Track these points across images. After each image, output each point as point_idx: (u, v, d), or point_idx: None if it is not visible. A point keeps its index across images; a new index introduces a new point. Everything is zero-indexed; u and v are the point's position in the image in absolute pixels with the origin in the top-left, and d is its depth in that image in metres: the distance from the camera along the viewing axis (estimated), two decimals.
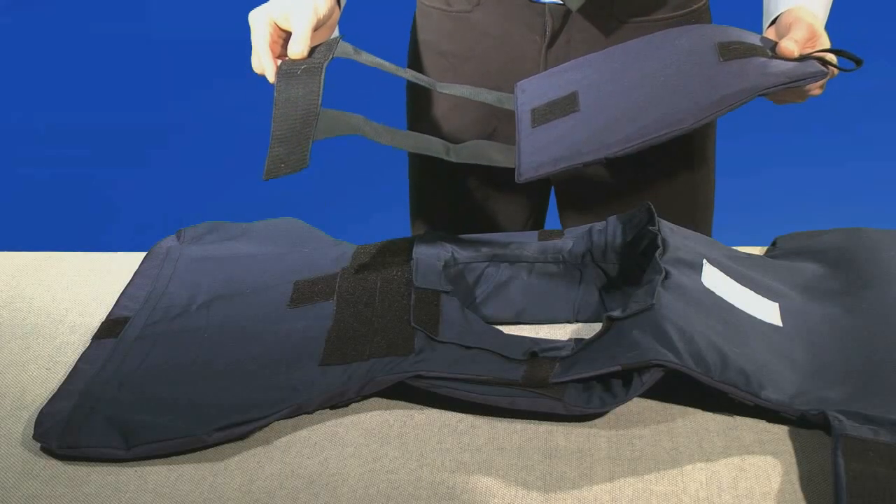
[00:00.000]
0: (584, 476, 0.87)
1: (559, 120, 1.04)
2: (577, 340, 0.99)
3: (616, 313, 0.96)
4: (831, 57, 1.05)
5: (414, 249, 1.10)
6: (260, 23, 1.05)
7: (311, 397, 0.95)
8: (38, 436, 0.93)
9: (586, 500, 0.85)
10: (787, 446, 0.89)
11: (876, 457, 0.82)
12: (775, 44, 1.06)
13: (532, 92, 1.11)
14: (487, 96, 1.14)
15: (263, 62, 1.05)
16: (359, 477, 0.88)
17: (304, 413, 0.96)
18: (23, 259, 1.28)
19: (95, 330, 1.10)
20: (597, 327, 0.98)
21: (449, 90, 1.13)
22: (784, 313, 1.03)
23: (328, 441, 0.93)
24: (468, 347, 0.98)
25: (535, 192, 1.38)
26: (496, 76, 1.25)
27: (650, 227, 1.08)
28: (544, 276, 1.12)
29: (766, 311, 1.02)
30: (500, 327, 1.04)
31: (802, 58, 1.04)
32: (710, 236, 1.34)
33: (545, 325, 1.11)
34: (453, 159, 1.06)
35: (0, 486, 0.89)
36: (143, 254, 1.23)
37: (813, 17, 1.09)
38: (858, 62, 1.04)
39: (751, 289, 1.05)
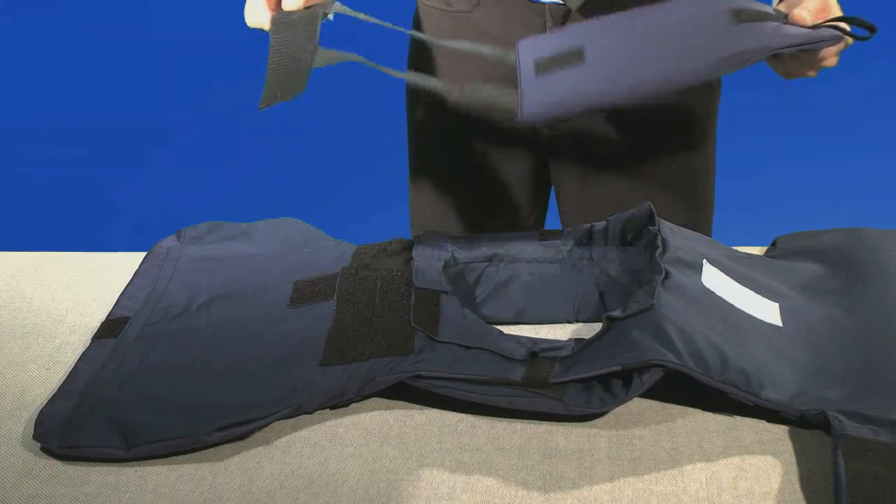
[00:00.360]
0: (584, 476, 0.87)
1: (564, 70, 1.01)
2: (577, 340, 0.99)
3: (616, 313, 0.96)
4: (845, 27, 1.05)
5: (414, 249, 1.10)
6: None
7: (311, 397, 0.95)
8: (38, 436, 0.93)
9: (586, 500, 0.85)
10: (787, 446, 0.89)
11: (876, 457, 0.82)
12: (787, 15, 1.05)
13: (536, 48, 1.08)
14: (488, 52, 1.12)
15: (259, 13, 1.04)
16: (359, 477, 0.88)
17: (304, 413, 0.96)
18: (23, 259, 1.28)
19: (95, 330, 1.10)
20: (597, 327, 0.98)
21: (451, 45, 1.10)
22: (784, 313, 1.03)
23: (328, 441, 0.93)
24: (468, 347, 0.98)
25: (534, 171, 1.37)
26: (496, 76, 1.25)
27: (650, 228, 1.08)
28: (544, 276, 1.12)
29: (766, 311, 1.02)
30: (500, 327, 1.04)
31: (815, 27, 1.03)
32: (710, 236, 1.34)
33: (545, 325, 1.11)
34: (454, 97, 1.04)
35: (0, 486, 0.89)
36: (143, 254, 1.23)
37: None
38: (872, 29, 1.03)
39: (751, 289, 1.05)
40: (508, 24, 1.23)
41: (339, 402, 0.96)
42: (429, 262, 1.08)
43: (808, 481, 0.85)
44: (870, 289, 1.06)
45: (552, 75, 1.01)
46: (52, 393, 0.99)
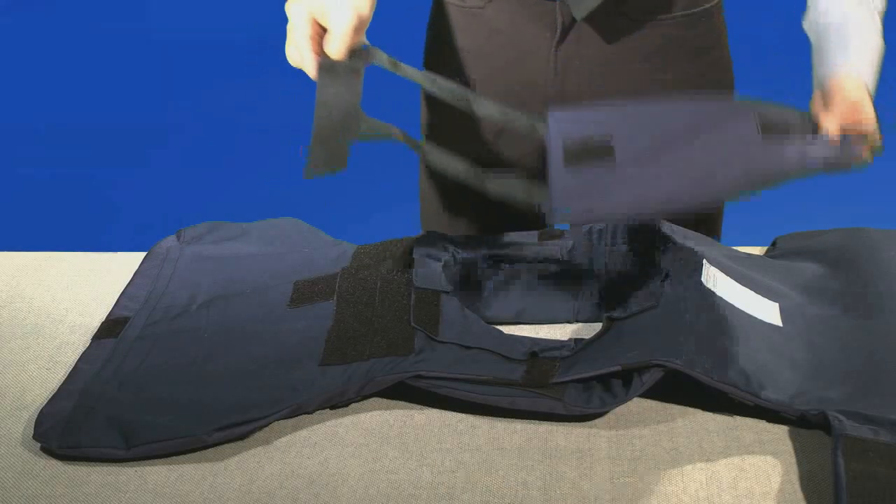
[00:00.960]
0: (584, 476, 0.87)
1: (593, 167, 1.00)
2: (578, 340, 0.99)
3: (616, 313, 0.96)
4: (873, 134, 1.04)
5: (414, 249, 1.10)
6: (299, 17, 1.03)
7: (310, 397, 0.95)
8: (37, 436, 0.93)
9: (586, 499, 0.85)
10: (787, 446, 0.89)
11: (876, 457, 0.82)
12: (816, 123, 1.04)
13: (565, 122, 1.07)
14: (519, 119, 1.11)
15: (304, 57, 1.03)
16: (359, 477, 0.88)
17: (304, 413, 0.96)
18: (23, 259, 1.28)
19: (95, 330, 1.10)
20: (597, 327, 0.98)
21: (483, 108, 1.10)
22: (784, 313, 1.03)
23: (328, 441, 0.93)
24: (468, 347, 0.98)
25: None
26: (507, 72, 1.25)
27: (650, 228, 1.08)
28: (544, 276, 1.12)
29: (766, 310, 1.02)
30: (500, 327, 1.04)
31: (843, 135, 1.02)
32: (718, 239, 1.34)
33: (545, 325, 1.11)
34: (483, 184, 1.04)
35: (0, 485, 0.89)
36: (143, 254, 1.23)
37: (857, 86, 1.06)
38: None
39: (751, 289, 1.05)
40: (519, 20, 1.23)
41: (338, 402, 0.96)
42: (429, 262, 1.08)
43: (808, 481, 0.85)
44: (870, 289, 1.06)
45: (583, 173, 0.99)
46: (53, 393, 0.99)
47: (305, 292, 1.10)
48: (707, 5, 1.24)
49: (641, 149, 1.00)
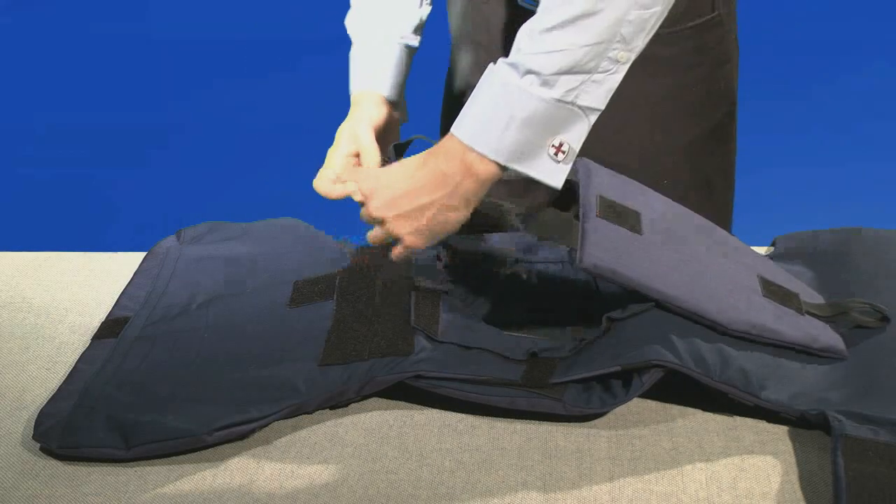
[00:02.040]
0: (583, 476, 0.87)
1: (623, 228, 0.99)
2: (578, 341, 0.99)
3: (616, 313, 0.96)
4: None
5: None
6: (338, 160, 1.08)
7: (310, 397, 0.95)
8: (37, 436, 0.93)
9: (586, 499, 0.85)
10: (786, 446, 0.89)
11: (876, 457, 0.82)
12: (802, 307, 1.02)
13: (597, 178, 1.05)
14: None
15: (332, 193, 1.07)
16: (358, 477, 0.88)
17: (304, 413, 0.96)
18: (22, 259, 1.28)
19: (94, 330, 1.10)
20: (597, 328, 0.98)
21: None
22: None
23: (328, 441, 0.93)
24: (468, 347, 0.98)
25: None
26: None
27: None
28: (545, 276, 1.12)
29: None
30: (499, 327, 1.04)
31: (833, 311, 1.01)
32: None
33: (545, 326, 1.10)
34: (515, 220, 1.05)
35: (0, 485, 0.89)
36: (143, 254, 1.23)
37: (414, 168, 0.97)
38: (885, 319, 1.00)
39: None
40: (514, 21, 1.23)
41: (338, 401, 0.96)
42: (429, 262, 1.07)
43: (807, 481, 0.85)
44: (869, 289, 1.06)
45: (615, 230, 0.98)
46: (52, 393, 0.99)
47: (305, 292, 1.10)
48: (703, 19, 1.22)
49: (666, 238, 1.00)
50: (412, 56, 1.19)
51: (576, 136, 0.90)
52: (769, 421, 0.92)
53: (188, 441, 0.91)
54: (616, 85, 0.91)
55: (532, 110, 0.88)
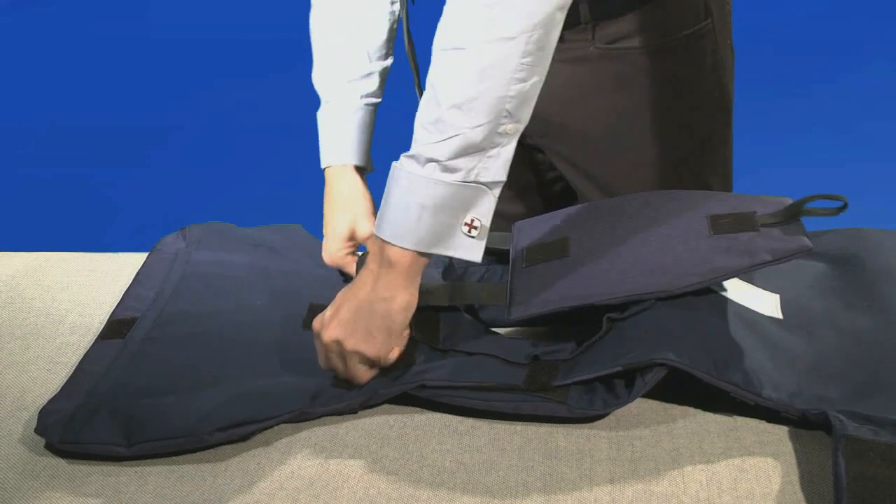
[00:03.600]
0: (584, 477, 0.87)
1: (550, 263, 1.05)
2: (579, 342, 0.99)
3: (616, 314, 0.96)
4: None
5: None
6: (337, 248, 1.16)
7: (314, 408, 0.95)
8: (39, 430, 0.93)
9: (586, 500, 0.85)
10: (787, 447, 0.89)
11: (877, 457, 0.82)
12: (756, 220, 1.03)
13: (528, 232, 1.12)
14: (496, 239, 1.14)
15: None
16: (359, 478, 0.88)
17: (307, 419, 0.96)
18: (23, 259, 1.28)
19: (95, 330, 1.10)
20: (598, 328, 0.98)
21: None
22: (784, 305, 1.03)
23: (329, 442, 0.93)
24: (470, 354, 0.98)
25: (554, 194, 1.38)
26: None
27: None
28: None
29: (767, 303, 1.02)
30: (500, 330, 1.03)
31: (789, 217, 1.02)
32: None
33: (545, 326, 1.10)
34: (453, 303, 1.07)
35: (0, 485, 0.89)
36: (144, 254, 1.23)
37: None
38: (845, 205, 1.02)
39: (750, 282, 1.05)
40: None
41: (342, 412, 0.96)
42: (428, 269, 1.07)
43: (808, 482, 0.85)
44: (870, 289, 1.06)
45: (540, 269, 1.05)
46: (53, 393, 0.99)
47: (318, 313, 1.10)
48: (687, 31, 1.22)
49: (595, 244, 1.04)
50: (376, 111, 1.22)
51: (485, 210, 0.93)
52: (770, 422, 0.92)
53: (190, 440, 0.91)
54: (511, 155, 0.93)
55: (440, 196, 0.91)
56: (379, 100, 1.21)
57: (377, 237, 0.94)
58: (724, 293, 1.01)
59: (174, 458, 0.91)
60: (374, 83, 1.20)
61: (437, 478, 0.88)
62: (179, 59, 3.65)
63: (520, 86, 0.89)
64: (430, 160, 0.90)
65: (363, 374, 0.97)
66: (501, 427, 0.94)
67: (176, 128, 3.37)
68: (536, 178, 1.35)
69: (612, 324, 0.96)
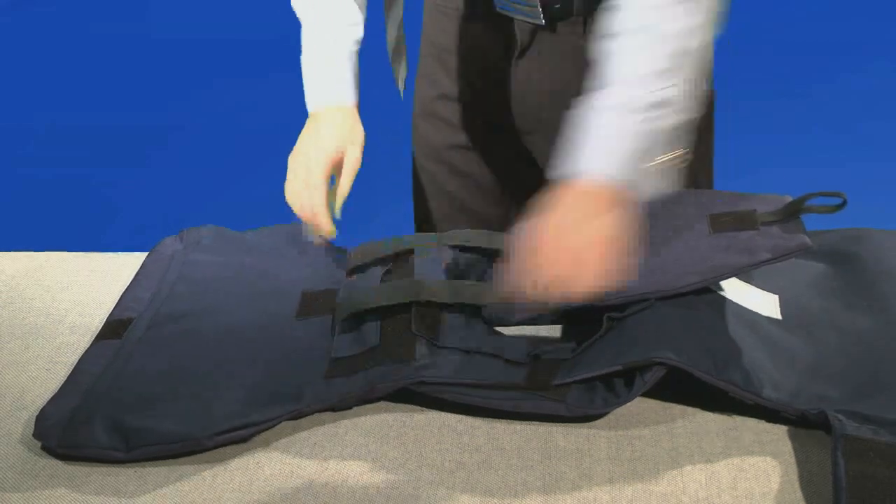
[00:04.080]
0: (583, 476, 0.87)
1: None
2: (579, 342, 0.99)
3: (616, 313, 0.96)
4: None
5: (415, 253, 1.10)
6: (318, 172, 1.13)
7: (312, 403, 0.95)
8: (37, 434, 0.93)
9: (586, 500, 0.85)
10: (786, 446, 0.89)
11: (876, 457, 0.82)
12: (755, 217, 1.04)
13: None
14: (484, 240, 1.15)
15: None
16: (358, 477, 0.88)
17: (304, 416, 0.96)
18: (23, 259, 1.28)
19: (95, 330, 1.10)
20: (598, 327, 0.98)
21: (449, 240, 1.15)
22: (784, 305, 1.03)
23: (328, 441, 0.93)
24: (470, 352, 0.98)
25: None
26: (474, 77, 1.26)
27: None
28: None
29: (766, 303, 1.02)
30: (500, 329, 1.03)
31: (788, 215, 1.03)
32: None
33: (545, 326, 1.10)
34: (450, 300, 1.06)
35: (0, 485, 0.89)
36: (143, 254, 1.23)
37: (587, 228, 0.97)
38: (844, 202, 1.03)
39: (750, 283, 1.05)
40: (485, 31, 1.23)
41: (340, 408, 0.96)
42: (430, 265, 1.07)
43: (807, 481, 0.85)
44: (870, 289, 1.06)
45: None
46: (53, 393, 0.99)
47: (312, 303, 1.10)
48: None
49: None
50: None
51: (674, 146, 0.98)
52: (769, 421, 0.92)
53: (188, 444, 0.91)
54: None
55: (647, 137, 0.95)
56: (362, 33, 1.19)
57: (590, 182, 0.93)
58: (723, 293, 1.01)
59: (174, 458, 0.91)
60: (360, 16, 1.18)
61: (437, 477, 0.88)
62: (179, 59, 3.65)
63: (705, 42, 0.97)
64: (646, 106, 0.94)
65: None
66: (501, 426, 0.94)
67: (176, 128, 3.37)
68: (528, 179, 1.35)
69: (612, 323, 0.96)
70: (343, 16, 1.18)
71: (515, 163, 1.34)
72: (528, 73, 1.22)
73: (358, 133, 1.16)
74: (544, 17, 1.17)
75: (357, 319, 1.04)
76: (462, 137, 1.32)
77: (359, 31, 1.19)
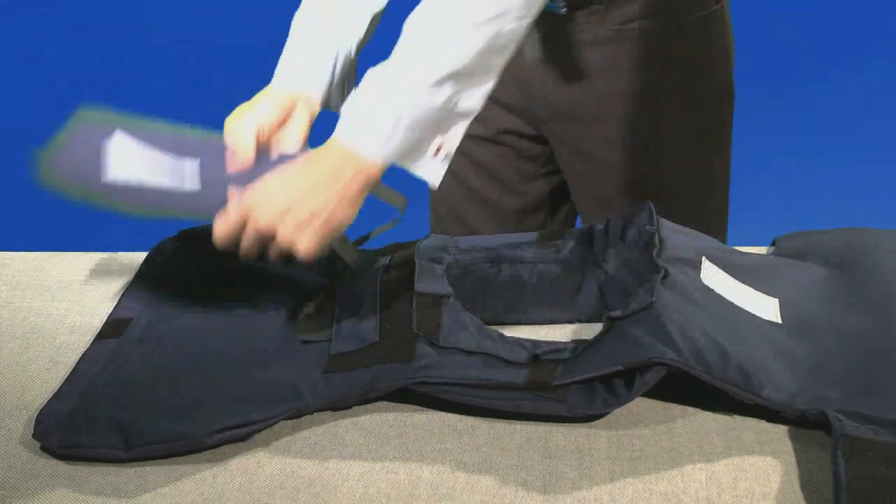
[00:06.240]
0: (583, 476, 0.87)
1: None
2: (578, 341, 0.99)
3: (616, 313, 0.96)
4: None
5: (416, 253, 1.10)
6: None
7: (312, 402, 0.95)
8: (37, 435, 0.93)
9: (586, 499, 0.85)
10: (787, 446, 0.89)
11: (876, 457, 0.82)
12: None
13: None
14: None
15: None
16: (359, 477, 0.88)
17: (305, 415, 0.96)
18: (23, 259, 1.28)
19: (95, 330, 1.10)
20: (597, 327, 0.98)
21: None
22: (783, 309, 1.03)
23: (328, 441, 0.93)
24: (470, 352, 0.98)
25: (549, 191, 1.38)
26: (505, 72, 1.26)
27: (648, 227, 1.08)
28: (545, 276, 1.12)
29: (766, 307, 1.02)
30: (500, 328, 1.04)
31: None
32: (724, 241, 1.34)
33: (545, 326, 1.11)
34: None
35: (0, 485, 0.89)
36: (143, 254, 1.23)
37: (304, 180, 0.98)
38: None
39: (750, 285, 1.05)
40: None
41: (340, 406, 0.96)
42: (430, 265, 1.07)
43: (808, 481, 0.85)
44: (870, 289, 1.06)
45: None
46: (53, 393, 0.99)
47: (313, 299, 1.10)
48: (700, 14, 1.22)
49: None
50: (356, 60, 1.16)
51: (455, 137, 0.95)
52: (769, 421, 0.92)
53: (188, 443, 0.91)
54: (489, 90, 0.95)
55: (418, 114, 0.92)
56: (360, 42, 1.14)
57: (341, 145, 0.93)
58: (723, 296, 1.01)
59: (174, 457, 0.91)
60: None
61: (437, 477, 0.88)
62: (179, 60, 3.65)
63: (516, 23, 0.92)
64: (418, 78, 0.91)
65: (276, 252, 0.97)
66: (501, 426, 0.94)
67: None
68: (532, 171, 1.35)
69: (612, 323, 0.96)
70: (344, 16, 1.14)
71: (516, 158, 1.34)
72: (546, 64, 1.22)
73: (302, 115, 1.09)
74: (566, 5, 1.16)
75: (355, 316, 1.04)
76: (478, 128, 1.31)
77: (357, 32, 1.14)
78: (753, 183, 2.88)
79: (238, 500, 0.86)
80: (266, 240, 0.97)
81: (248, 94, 1.15)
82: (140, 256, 1.24)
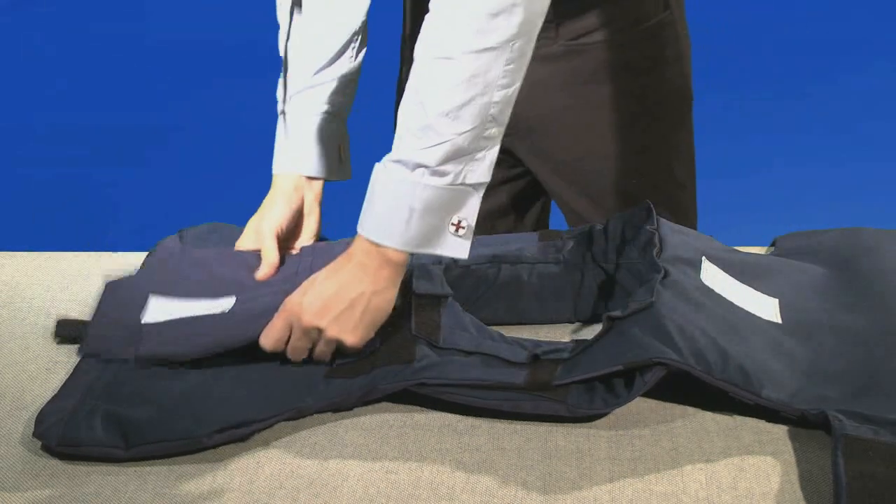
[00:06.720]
0: (583, 476, 0.87)
1: None
2: (578, 341, 0.99)
3: (616, 313, 0.96)
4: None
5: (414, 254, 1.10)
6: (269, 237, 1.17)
7: (312, 403, 0.95)
8: (37, 434, 0.93)
9: (586, 500, 0.85)
10: (786, 446, 0.89)
11: (876, 457, 0.82)
12: None
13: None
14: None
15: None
16: (359, 477, 0.88)
17: (305, 416, 0.96)
18: (22, 259, 1.28)
19: None
20: (597, 327, 0.98)
21: None
22: (783, 309, 1.03)
23: (328, 441, 0.93)
24: (470, 353, 0.98)
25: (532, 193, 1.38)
26: None
27: (648, 227, 1.08)
28: (545, 276, 1.12)
29: (766, 307, 1.02)
30: (500, 329, 1.04)
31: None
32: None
33: (545, 326, 1.11)
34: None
35: (0, 485, 0.89)
36: (144, 254, 1.23)
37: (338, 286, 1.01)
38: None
39: (750, 285, 1.05)
40: None
41: (340, 408, 0.96)
42: (429, 266, 1.07)
43: (807, 481, 0.85)
44: (869, 289, 1.06)
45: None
46: (53, 393, 0.99)
47: None
48: (649, 23, 1.22)
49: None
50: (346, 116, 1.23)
51: (471, 210, 0.96)
52: (769, 421, 0.92)
53: (187, 442, 0.91)
54: (495, 156, 0.96)
55: (429, 199, 0.94)
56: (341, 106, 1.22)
57: (365, 241, 0.96)
58: (723, 296, 1.01)
59: (174, 457, 0.91)
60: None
61: (437, 477, 0.88)
62: (179, 59, 3.65)
63: (503, 91, 0.93)
64: (419, 165, 0.93)
65: (327, 357, 1.00)
66: (501, 426, 0.94)
67: (176, 128, 3.37)
68: (502, 174, 1.36)
69: (612, 323, 0.96)
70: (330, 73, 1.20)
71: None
72: None
73: (312, 205, 1.21)
74: None
75: None
76: None
77: (344, 101, 1.21)
78: (753, 183, 2.88)
79: (238, 500, 0.86)
80: (314, 338, 0.99)
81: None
82: (140, 256, 1.24)
